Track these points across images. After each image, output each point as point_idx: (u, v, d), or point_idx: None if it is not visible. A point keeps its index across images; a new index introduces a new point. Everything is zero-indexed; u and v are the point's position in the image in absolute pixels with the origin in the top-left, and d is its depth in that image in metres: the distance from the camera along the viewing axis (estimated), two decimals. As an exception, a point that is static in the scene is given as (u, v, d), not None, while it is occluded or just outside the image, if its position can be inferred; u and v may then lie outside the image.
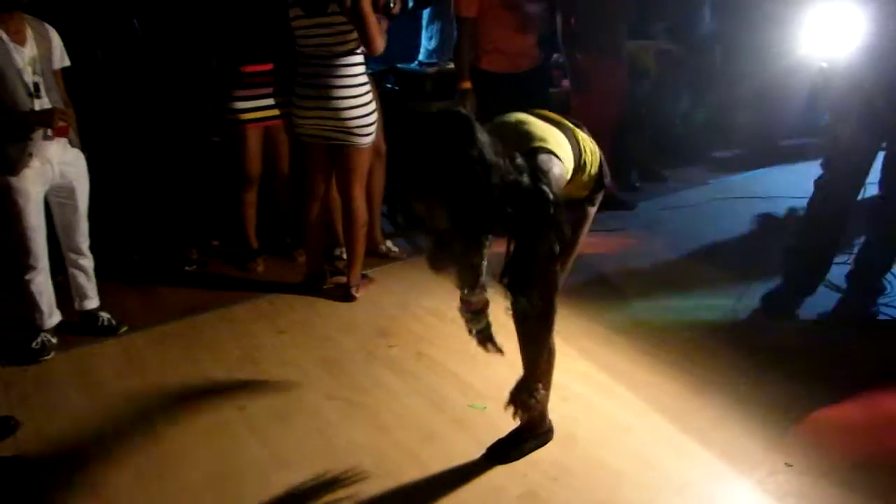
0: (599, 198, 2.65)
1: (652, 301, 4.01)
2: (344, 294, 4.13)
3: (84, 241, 3.66)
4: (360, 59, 3.80)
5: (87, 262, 3.71)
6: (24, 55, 3.25)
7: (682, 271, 4.40)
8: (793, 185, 4.84)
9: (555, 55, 5.25)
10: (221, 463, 2.78)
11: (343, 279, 4.23)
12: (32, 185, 3.34)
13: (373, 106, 3.88)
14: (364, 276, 4.24)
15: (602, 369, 3.35)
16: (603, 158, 2.57)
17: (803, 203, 3.89)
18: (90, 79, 4.16)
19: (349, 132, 3.81)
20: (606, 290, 4.18)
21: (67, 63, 3.50)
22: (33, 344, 3.54)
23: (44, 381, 3.39)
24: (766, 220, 5.10)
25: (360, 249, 4.11)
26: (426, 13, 6.30)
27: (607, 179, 2.60)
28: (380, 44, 3.70)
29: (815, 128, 6.00)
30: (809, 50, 3.84)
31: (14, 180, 3.30)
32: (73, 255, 3.66)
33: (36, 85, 3.28)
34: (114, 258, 4.45)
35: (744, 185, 5.85)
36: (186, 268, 4.60)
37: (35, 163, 3.32)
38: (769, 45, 4.88)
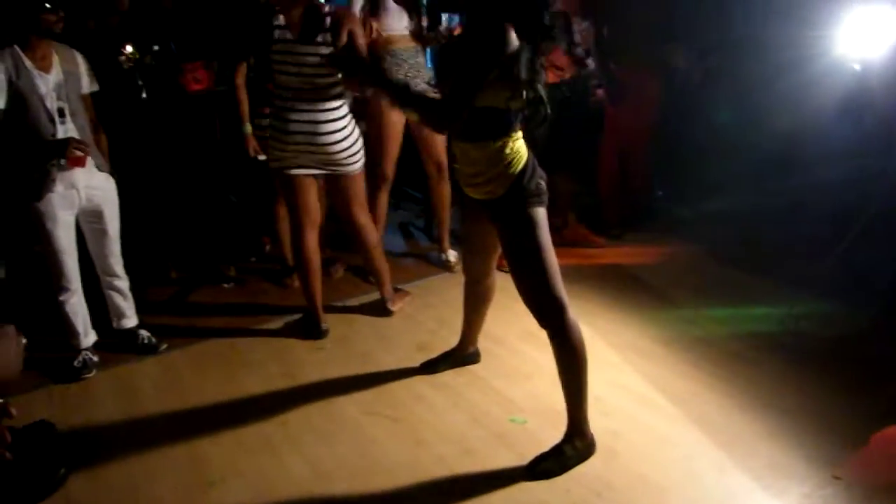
0: (536, 202, 2.66)
1: (695, 311, 3.96)
2: (381, 309, 4.13)
3: (117, 263, 3.69)
4: (341, 89, 3.68)
5: (122, 282, 3.74)
6: (49, 81, 3.29)
7: (725, 281, 4.33)
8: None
9: (589, 64, 5.25)
10: (264, 479, 2.79)
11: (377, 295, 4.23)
12: (59, 209, 3.37)
13: (357, 133, 3.77)
14: (398, 290, 4.24)
15: (644, 382, 3.31)
16: (531, 165, 2.65)
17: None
18: (129, 101, 4.24)
19: (339, 164, 3.71)
20: (645, 301, 4.12)
21: (96, 88, 3.55)
22: (75, 362, 3.58)
23: (86, 398, 3.43)
24: (814, 228, 4.95)
25: (382, 265, 4.09)
26: None
27: (534, 185, 2.65)
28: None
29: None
30: (843, 52, 3.79)
31: (40, 205, 3.34)
32: (107, 278, 3.70)
33: (60, 110, 3.31)
34: (152, 276, 4.51)
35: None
36: (224, 285, 4.63)
37: (59, 188, 3.35)
38: (804, 47, 4.82)
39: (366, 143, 3.88)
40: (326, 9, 3.62)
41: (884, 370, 3.28)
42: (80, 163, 3.32)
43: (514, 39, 2.43)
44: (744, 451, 2.79)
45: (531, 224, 2.63)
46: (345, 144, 3.68)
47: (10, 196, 3.44)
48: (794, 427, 2.91)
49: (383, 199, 4.55)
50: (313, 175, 3.74)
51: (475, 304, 3.30)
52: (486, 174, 2.64)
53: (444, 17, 5.02)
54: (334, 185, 3.83)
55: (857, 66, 3.71)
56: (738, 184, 5.02)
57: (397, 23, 4.21)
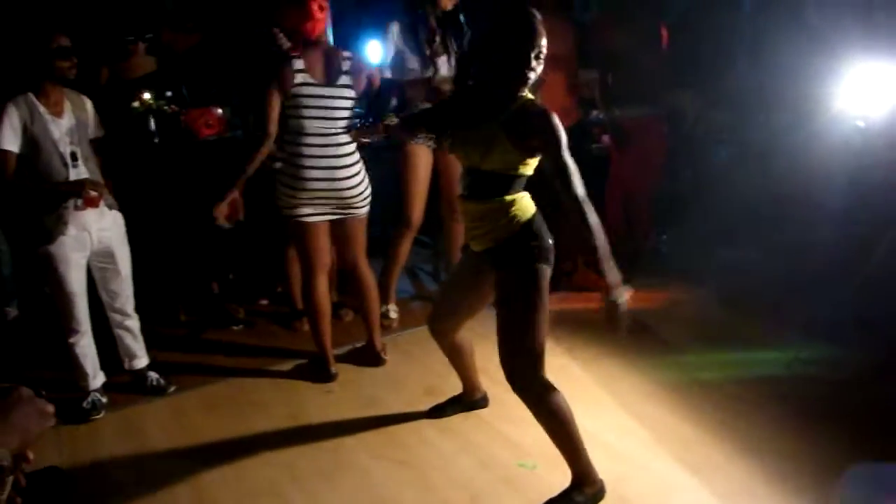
0: (539, 257, 2.66)
1: (698, 356, 3.96)
2: (373, 358, 4.09)
3: (129, 304, 3.72)
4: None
5: (133, 322, 3.77)
6: (62, 126, 3.37)
7: (729, 325, 4.32)
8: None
9: (594, 112, 5.31)
10: (270, 523, 2.79)
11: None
12: (71, 251, 3.41)
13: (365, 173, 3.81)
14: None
15: (650, 427, 3.31)
16: (539, 221, 2.69)
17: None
18: (141, 146, 4.30)
19: (354, 206, 3.74)
20: (652, 345, 4.12)
21: (101, 133, 3.60)
22: (84, 404, 3.59)
23: (94, 440, 3.43)
24: (817, 271, 4.95)
25: (378, 314, 4.11)
26: None
27: (544, 242, 2.68)
28: None
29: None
30: (845, 107, 3.81)
31: (52, 248, 3.38)
32: (118, 317, 3.72)
33: (73, 154, 3.38)
34: (161, 318, 4.53)
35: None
36: (233, 327, 4.65)
37: (71, 231, 3.39)
38: (809, 100, 4.86)
39: (395, 188, 3.89)
40: (344, 53, 3.68)
41: (889, 415, 3.27)
42: (94, 203, 3.38)
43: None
44: (750, 496, 2.80)
45: (533, 279, 2.62)
46: (361, 187, 3.72)
47: (23, 240, 3.48)
48: (799, 472, 2.90)
49: (405, 246, 4.55)
50: (327, 220, 3.75)
51: (454, 356, 3.31)
52: (489, 226, 2.67)
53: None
54: (343, 230, 3.82)
55: (861, 123, 3.74)
56: (743, 231, 5.05)
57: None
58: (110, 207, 3.54)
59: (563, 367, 3.81)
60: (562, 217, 2.60)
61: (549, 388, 2.63)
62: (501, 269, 2.70)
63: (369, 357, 4.10)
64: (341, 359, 4.12)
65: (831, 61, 3.92)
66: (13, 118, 3.25)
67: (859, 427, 3.17)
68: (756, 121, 5.76)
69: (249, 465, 3.17)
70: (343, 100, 3.63)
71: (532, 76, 2.53)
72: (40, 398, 1.32)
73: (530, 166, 2.61)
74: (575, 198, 2.48)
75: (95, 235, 3.48)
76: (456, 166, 4.35)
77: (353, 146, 3.69)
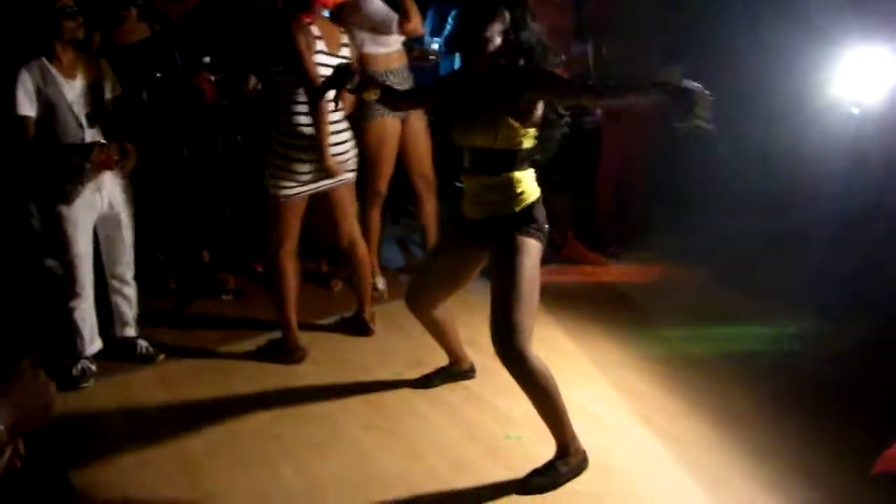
0: (536, 235, 2.73)
1: (688, 331, 3.98)
2: (362, 328, 4.09)
3: (129, 270, 3.75)
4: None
5: (131, 290, 3.79)
6: (76, 88, 3.39)
7: (721, 301, 4.33)
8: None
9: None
10: (258, 492, 2.81)
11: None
12: (82, 213, 3.45)
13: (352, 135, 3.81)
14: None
15: (637, 400, 3.33)
16: (541, 203, 2.78)
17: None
18: (134, 114, 4.26)
19: (347, 170, 3.74)
20: (641, 319, 4.16)
21: (119, 91, 3.61)
22: (73, 371, 3.60)
23: (84, 408, 3.45)
24: (809, 248, 4.94)
25: (368, 282, 4.11)
26: None
27: (542, 221, 2.76)
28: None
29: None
30: (840, 94, 3.78)
31: (65, 209, 3.41)
32: (117, 283, 3.75)
33: (89, 115, 3.40)
34: (151, 287, 4.52)
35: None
36: (223, 296, 4.65)
37: (86, 192, 3.43)
38: (804, 86, 4.78)
39: (360, 160, 3.88)
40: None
41: (876, 392, 3.29)
42: (106, 164, 3.39)
43: None
44: (736, 470, 2.81)
45: (526, 251, 2.67)
46: (352, 150, 3.76)
47: (37, 200, 3.50)
48: (786, 446, 2.93)
49: (376, 215, 4.54)
50: (312, 193, 3.69)
51: (435, 329, 3.35)
52: (496, 197, 2.72)
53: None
54: (334, 199, 3.78)
55: (855, 110, 3.70)
56: (737, 207, 5.02)
57: (394, 44, 4.25)
58: (119, 176, 3.55)
59: (551, 338, 3.83)
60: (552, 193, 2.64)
61: (534, 360, 2.65)
62: (497, 240, 2.73)
63: (358, 326, 4.10)
64: (330, 328, 4.15)
65: (825, 47, 3.90)
66: (26, 83, 3.28)
67: (846, 403, 3.21)
68: (750, 109, 5.61)
69: (240, 435, 3.19)
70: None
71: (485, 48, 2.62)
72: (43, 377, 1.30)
73: (531, 136, 2.66)
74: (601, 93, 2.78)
75: (107, 199, 3.53)
76: (422, 139, 4.42)
77: (341, 112, 3.60)
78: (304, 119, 3.55)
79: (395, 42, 4.27)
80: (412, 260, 5.28)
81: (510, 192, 2.70)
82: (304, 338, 3.92)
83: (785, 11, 4.86)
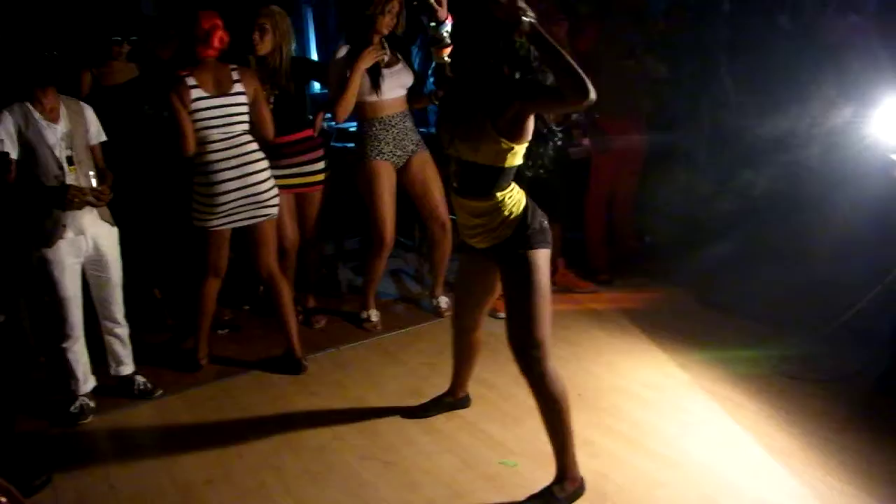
0: (538, 241, 2.78)
1: (682, 355, 4.01)
2: (294, 366, 4.10)
3: (119, 311, 3.77)
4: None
5: (123, 330, 3.81)
6: (58, 131, 3.42)
7: (712, 325, 4.38)
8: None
9: (574, 115, 5.34)
10: (258, 524, 2.83)
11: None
12: (67, 256, 3.47)
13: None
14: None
15: (632, 425, 3.37)
16: (531, 206, 2.79)
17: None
18: (138, 135, 4.32)
19: (268, 205, 3.91)
20: (633, 345, 4.20)
21: (104, 138, 3.65)
22: (72, 408, 3.62)
23: (82, 444, 3.47)
24: (806, 271, 4.92)
25: (294, 319, 4.16)
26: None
27: (538, 224, 2.78)
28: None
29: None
30: (879, 137, 3.60)
31: (49, 252, 3.43)
32: (109, 324, 3.77)
33: (69, 159, 3.43)
34: (148, 322, 4.55)
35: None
36: (219, 331, 4.66)
37: (69, 234, 3.45)
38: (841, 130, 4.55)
39: (362, 207, 3.93)
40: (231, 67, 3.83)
41: (873, 417, 3.33)
42: (82, 204, 3.42)
43: None
44: (730, 492, 2.85)
45: (533, 265, 2.73)
46: (272, 187, 3.91)
47: (20, 243, 3.53)
48: (780, 466, 2.97)
49: (382, 262, 4.52)
50: (235, 226, 3.89)
51: (466, 353, 3.36)
52: (489, 226, 2.75)
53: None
54: (256, 234, 3.95)
55: (894, 157, 3.57)
56: (729, 233, 5.02)
57: (388, 92, 4.22)
58: (103, 219, 3.57)
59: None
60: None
61: (557, 378, 2.72)
62: (504, 263, 2.80)
63: (290, 365, 4.10)
64: (325, 360, 4.19)
65: (861, 91, 3.86)
66: (7, 124, 3.31)
67: (844, 422, 3.26)
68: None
69: (237, 467, 3.21)
70: (238, 106, 3.78)
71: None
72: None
73: (518, 155, 2.68)
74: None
75: (91, 241, 3.54)
76: (432, 183, 4.40)
77: (257, 147, 3.85)
78: (214, 156, 3.75)
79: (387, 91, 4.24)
80: (405, 292, 5.31)
81: (498, 219, 2.72)
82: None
83: (815, 54, 4.87)
